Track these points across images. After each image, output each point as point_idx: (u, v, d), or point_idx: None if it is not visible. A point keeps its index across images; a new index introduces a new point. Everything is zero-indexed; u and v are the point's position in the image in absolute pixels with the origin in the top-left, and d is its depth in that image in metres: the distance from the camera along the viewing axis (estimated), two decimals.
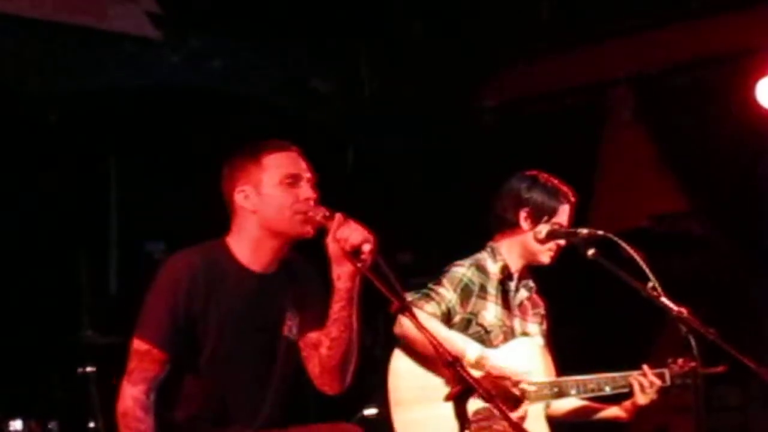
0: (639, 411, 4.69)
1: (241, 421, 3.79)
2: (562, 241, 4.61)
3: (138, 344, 3.69)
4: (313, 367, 3.87)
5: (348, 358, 3.80)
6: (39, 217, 6.34)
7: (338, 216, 3.63)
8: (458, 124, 7.46)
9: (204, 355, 3.74)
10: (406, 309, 3.40)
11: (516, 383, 4.43)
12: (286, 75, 7.32)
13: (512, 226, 4.66)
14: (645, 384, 4.62)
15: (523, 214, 4.65)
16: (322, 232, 3.68)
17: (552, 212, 4.61)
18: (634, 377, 4.63)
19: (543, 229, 4.58)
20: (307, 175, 3.82)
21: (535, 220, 4.62)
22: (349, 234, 3.57)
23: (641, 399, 4.63)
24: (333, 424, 3.80)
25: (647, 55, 7.14)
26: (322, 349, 3.81)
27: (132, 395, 3.65)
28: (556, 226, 4.59)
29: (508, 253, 4.67)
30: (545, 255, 4.63)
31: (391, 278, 3.41)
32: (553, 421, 4.63)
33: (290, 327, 3.89)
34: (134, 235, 6.62)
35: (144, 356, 3.67)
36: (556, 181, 4.69)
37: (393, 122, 7.44)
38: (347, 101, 7.60)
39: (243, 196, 3.80)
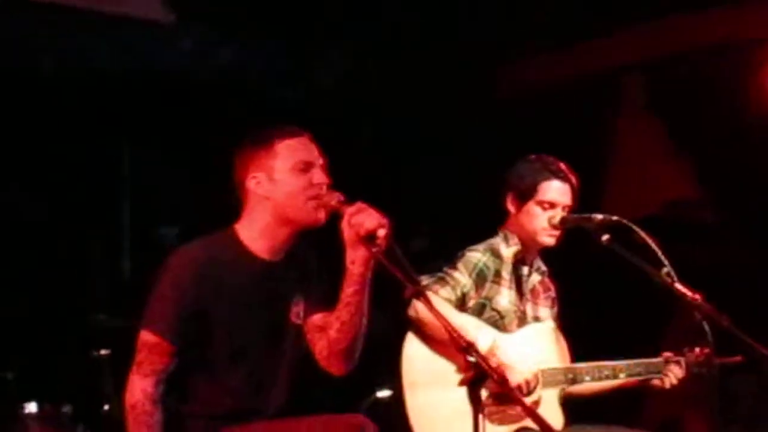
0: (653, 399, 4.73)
1: (254, 411, 3.79)
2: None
3: (146, 336, 3.68)
4: (321, 350, 3.88)
5: (357, 341, 3.80)
6: (52, 201, 6.35)
7: (357, 203, 3.63)
8: (471, 111, 7.44)
9: (215, 345, 3.75)
10: (421, 294, 3.41)
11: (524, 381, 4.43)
12: (296, 59, 7.31)
13: (508, 212, 4.67)
14: (670, 377, 4.65)
15: (509, 198, 4.66)
16: (334, 218, 3.69)
17: (532, 190, 4.57)
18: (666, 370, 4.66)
19: (557, 214, 4.57)
20: (320, 160, 3.82)
21: (520, 201, 4.61)
22: (364, 219, 3.56)
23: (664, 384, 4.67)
24: (340, 416, 3.76)
25: (661, 43, 7.11)
26: (331, 331, 3.81)
27: (141, 388, 3.65)
28: (546, 206, 4.55)
29: (517, 238, 4.67)
30: (545, 237, 4.60)
31: (405, 263, 3.41)
32: (571, 402, 4.62)
33: (297, 313, 3.90)
34: (147, 220, 6.64)
35: (153, 349, 3.67)
36: (547, 160, 4.64)
37: (408, 106, 7.42)
38: (360, 85, 7.58)
39: (255, 183, 3.80)
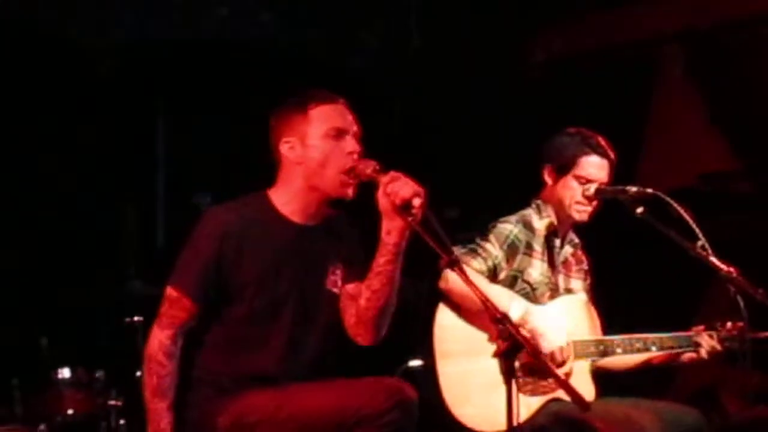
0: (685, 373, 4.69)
1: (282, 375, 3.80)
2: (593, 200, 4.56)
3: (170, 291, 3.77)
4: (349, 317, 3.89)
5: (386, 311, 3.81)
6: (87, 169, 6.37)
7: (392, 172, 3.62)
8: (507, 78, 7.41)
9: (244, 305, 3.77)
10: (455, 264, 3.41)
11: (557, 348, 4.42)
12: (333, 28, 7.30)
13: (544, 183, 4.65)
14: (704, 346, 4.60)
15: (547, 170, 4.63)
16: (368, 189, 3.69)
17: (571, 164, 4.54)
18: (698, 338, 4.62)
19: (591, 186, 4.54)
20: (354, 128, 3.83)
21: (558, 173, 4.58)
22: (400, 187, 3.55)
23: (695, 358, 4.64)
24: (377, 378, 3.75)
25: (699, 12, 7.05)
26: (361, 300, 3.82)
27: (159, 339, 3.74)
28: (583, 181, 4.52)
29: (550, 210, 4.64)
30: (577, 212, 4.57)
31: (440, 233, 3.40)
32: (601, 375, 4.60)
33: (335, 281, 3.90)
34: (181, 187, 6.65)
35: (174, 303, 3.75)
36: (588, 135, 4.59)
37: (441, 76, 7.39)
38: (395, 55, 7.56)
39: (288, 147, 3.82)
